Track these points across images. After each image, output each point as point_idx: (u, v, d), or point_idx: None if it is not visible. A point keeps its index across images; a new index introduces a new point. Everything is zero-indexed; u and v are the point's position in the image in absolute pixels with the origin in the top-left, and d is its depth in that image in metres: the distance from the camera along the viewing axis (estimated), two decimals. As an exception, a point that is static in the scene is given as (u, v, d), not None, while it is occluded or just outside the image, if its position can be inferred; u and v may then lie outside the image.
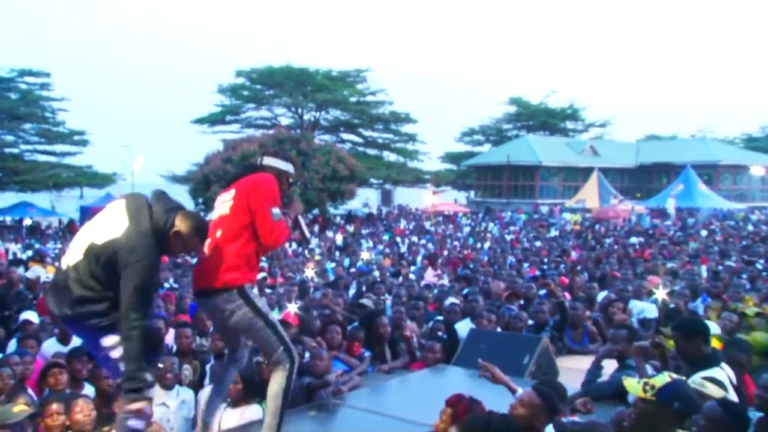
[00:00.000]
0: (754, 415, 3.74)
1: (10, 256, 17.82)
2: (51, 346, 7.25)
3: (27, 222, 30.85)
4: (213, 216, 4.16)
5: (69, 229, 28.52)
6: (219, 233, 4.05)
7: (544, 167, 46.06)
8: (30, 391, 5.75)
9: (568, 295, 10.13)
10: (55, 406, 4.83)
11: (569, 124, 58.95)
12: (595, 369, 5.57)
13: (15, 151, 43.53)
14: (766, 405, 3.88)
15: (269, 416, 4.17)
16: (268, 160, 4.36)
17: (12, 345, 7.25)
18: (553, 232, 26.56)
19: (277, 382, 4.15)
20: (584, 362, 6.18)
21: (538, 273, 13.50)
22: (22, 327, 7.88)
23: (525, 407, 3.83)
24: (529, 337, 7.09)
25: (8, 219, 33.95)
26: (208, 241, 4.03)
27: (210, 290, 4.02)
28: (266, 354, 4.25)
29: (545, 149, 47.07)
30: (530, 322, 7.97)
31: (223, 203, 4.14)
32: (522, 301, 9.34)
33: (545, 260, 16.56)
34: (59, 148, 44.49)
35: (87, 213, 35.29)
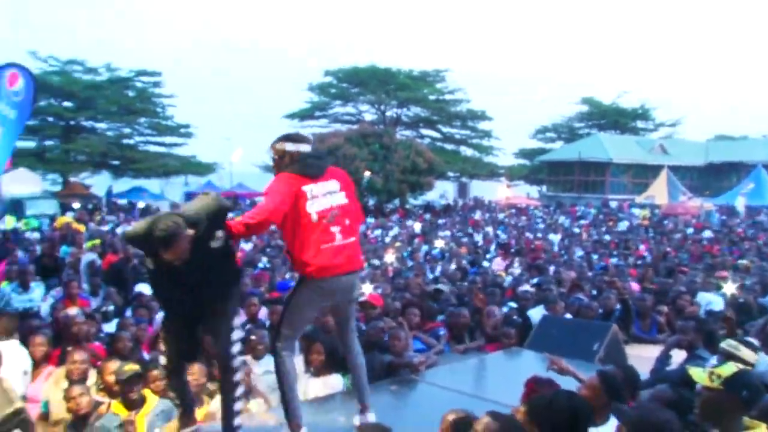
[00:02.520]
0: None
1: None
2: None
3: (140, 205, 32.00)
4: (321, 205, 4.00)
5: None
6: (348, 221, 4.09)
7: (614, 164, 44.86)
8: (144, 353, 6.03)
9: (636, 286, 9.91)
10: (156, 372, 4.99)
11: (640, 124, 57.07)
12: (665, 358, 5.46)
13: (131, 142, 45.20)
14: None
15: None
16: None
17: (128, 314, 7.60)
18: (623, 226, 25.86)
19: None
20: (652, 351, 6.06)
21: (606, 264, 13.23)
22: (136, 298, 8.22)
23: (588, 391, 3.77)
24: (599, 324, 6.97)
25: (124, 202, 35.36)
26: (337, 228, 4.03)
27: (358, 271, 4.26)
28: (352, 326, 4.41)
29: (615, 147, 45.83)
30: (600, 310, 7.83)
31: (332, 193, 4.08)
32: (594, 291, 9.16)
33: (614, 252, 16.21)
34: (168, 139, 45.84)
35: (191, 198, 36.37)
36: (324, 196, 4.03)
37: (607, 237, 20.71)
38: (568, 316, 7.64)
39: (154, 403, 4.72)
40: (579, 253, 16.04)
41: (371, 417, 4.24)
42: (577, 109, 56.55)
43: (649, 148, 47.64)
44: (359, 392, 4.37)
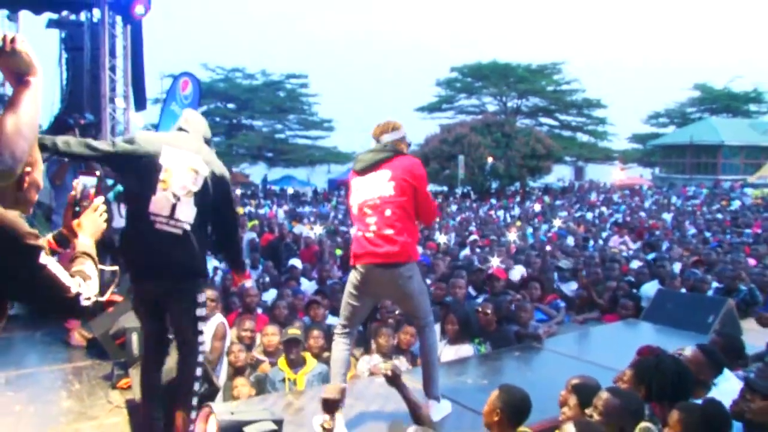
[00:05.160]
0: None
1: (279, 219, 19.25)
2: (311, 287, 7.78)
3: (290, 191, 33.22)
4: (362, 196, 3.70)
5: (321, 196, 30.60)
6: (389, 212, 3.60)
7: (726, 146, 41.52)
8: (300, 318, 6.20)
9: (754, 262, 9.22)
10: (316, 332, 5.18)
11: (753, 107, 52.55)
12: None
13: (282, 136, 47.49)
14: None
15: (434, 368, 3.85)
16: (393, 136, 3.78)
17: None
18: (735, 205, 23.97)
19: (432, 338, 3.89)
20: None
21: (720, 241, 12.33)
22: (289, 270, 8.51)
23: (691, 364, 3.46)
24: (714, 298, 6.51)
25: (277, 188, 36.98)
26: (374, 219, 3.62)
27: (395, 264, 3.60)
28: (422, 316, 3.82)
29: (728, 130, 42.38)
30: (715, 284, 7.31)
31: (377, 184, 3.66)
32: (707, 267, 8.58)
33: (727, 230, 15.08)
34: (313, 133, 47.74)
35: (333, 184, 37.58)
36: (367, 188, 3.69)
37: (719, 216, 19.28)
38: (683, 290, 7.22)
39: (313, 365, 4.85)
40: (692, 231, 15.03)
41: (434, 411, 3.73)
42: (689, 94, 52.97)
43: (762, 130, 43.67)
44: (425, 385, 3.83)
